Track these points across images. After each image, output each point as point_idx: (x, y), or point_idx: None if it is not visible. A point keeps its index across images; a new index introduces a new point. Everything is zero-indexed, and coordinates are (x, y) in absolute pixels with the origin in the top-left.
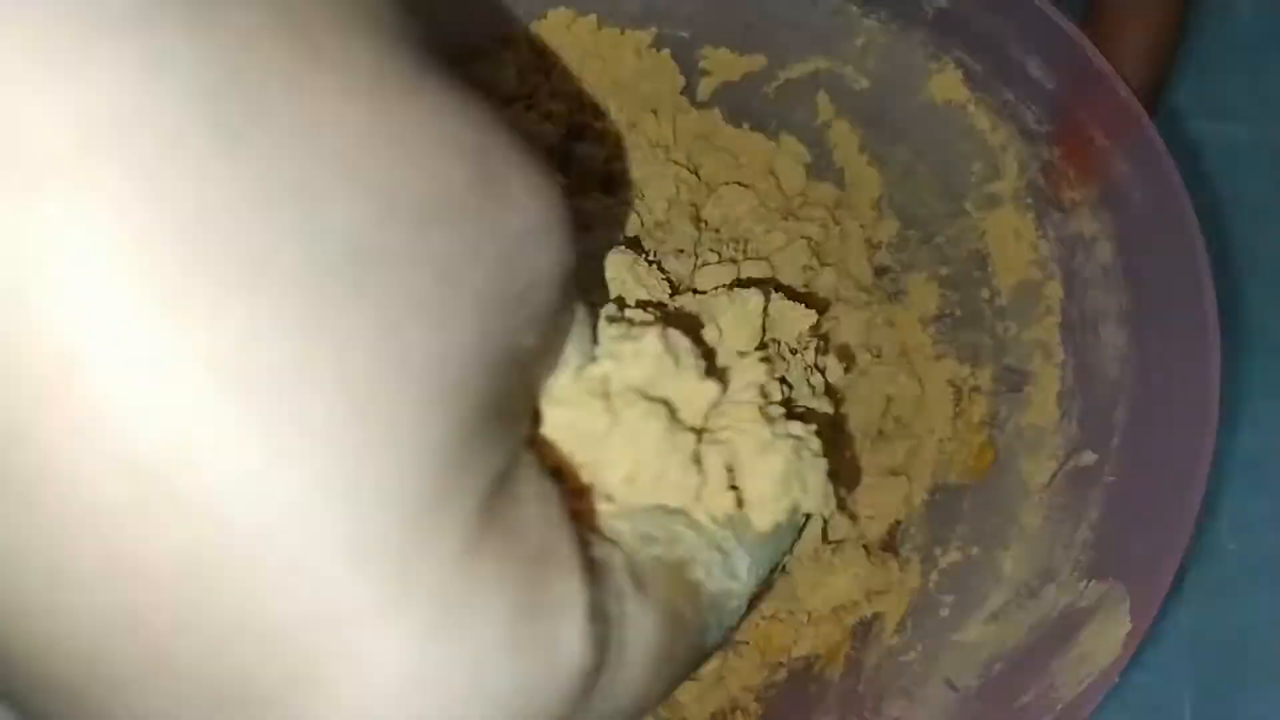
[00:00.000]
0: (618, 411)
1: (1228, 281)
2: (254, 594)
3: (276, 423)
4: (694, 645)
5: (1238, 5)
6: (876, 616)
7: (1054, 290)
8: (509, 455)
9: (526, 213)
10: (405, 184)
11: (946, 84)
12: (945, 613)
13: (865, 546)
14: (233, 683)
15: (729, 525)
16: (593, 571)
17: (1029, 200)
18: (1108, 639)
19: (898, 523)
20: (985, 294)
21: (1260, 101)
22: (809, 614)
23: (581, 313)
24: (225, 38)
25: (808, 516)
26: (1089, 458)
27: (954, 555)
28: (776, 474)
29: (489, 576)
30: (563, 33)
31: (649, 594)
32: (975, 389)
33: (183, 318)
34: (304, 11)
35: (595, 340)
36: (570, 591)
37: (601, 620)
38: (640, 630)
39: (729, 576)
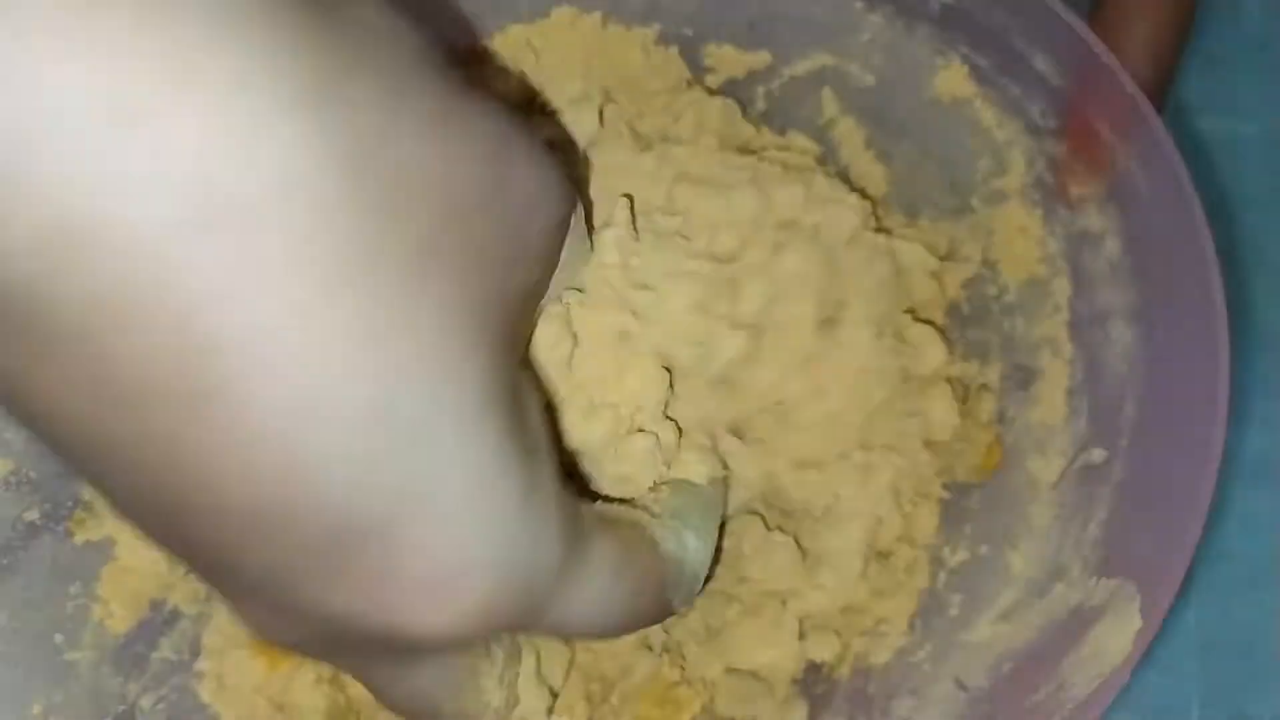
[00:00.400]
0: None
1: (1235, 278)
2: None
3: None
4: (654, 585)
5: (1246, 2)
6: (883, 619)
7: (1062, 287)
8: (520, 361)
9: (528, 189)
10: (453, 191)
11: (952, 80)
12: (954, 612)
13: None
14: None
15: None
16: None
17: (1036, 196)
18: (1119, 637)
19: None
20: (993, 291)
21: (1268, 98)
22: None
23: (577, 234)
24: (349, 106)
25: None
26: (1098, 455)
27: (963, 554)
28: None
29: (511, 457)
30: (566, 30)
31: (610, 525)
32: (983, 386)
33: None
34: (388, 72)
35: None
36: (549, 479)
37: (570, 513)
38: (601, 542)
39: (681, 549)
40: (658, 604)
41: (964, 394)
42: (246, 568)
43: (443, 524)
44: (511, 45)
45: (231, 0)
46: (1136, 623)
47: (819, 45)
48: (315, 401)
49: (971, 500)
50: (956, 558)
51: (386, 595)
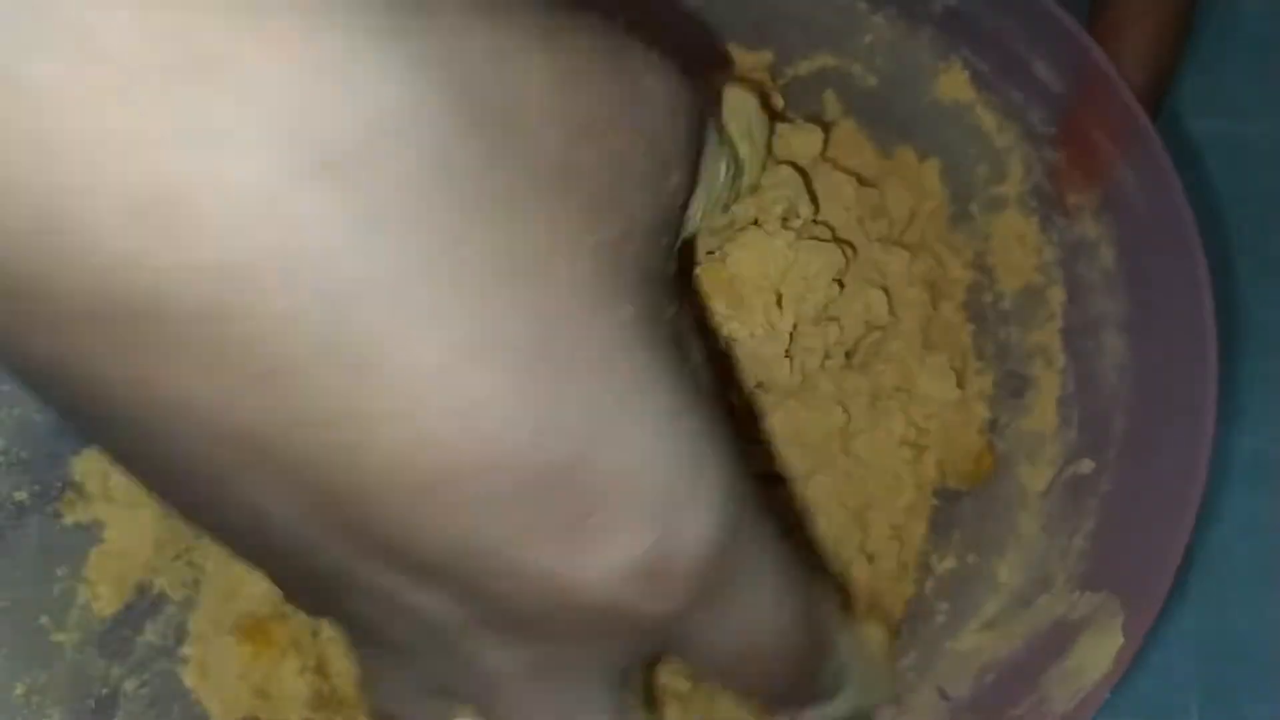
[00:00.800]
0: None
1: (1233, 280)
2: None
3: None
4: (803, 668)
5: (1244, 3)
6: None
7: (1056, 295)
8: (676, 303)
9: (661, 99)
10: (580, 108)
11: (953, 84)
12: (941, 620)
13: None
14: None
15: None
16: None
17: (1033, 204)
18: (1101, 653)
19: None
20: (989, 298)
21: (1266, 100)
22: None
23: (711, 142)
24: (449, 27)
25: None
26: (1087, 466)
27: (950, 562)
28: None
29: (684, 401)
30: None
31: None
32: (977, 394)
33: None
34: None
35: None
36: (721, 450)
37: (738, 515)
38: (763, 572)
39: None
40: (806, 663)
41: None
42: (423, 547)
43: (631, 456)
44: None
45: None
46: (1119, 640)
47: (822, 46)
48: (469, 349)
49: (962, 508)
50: (944, 565)
51: (582, 543)
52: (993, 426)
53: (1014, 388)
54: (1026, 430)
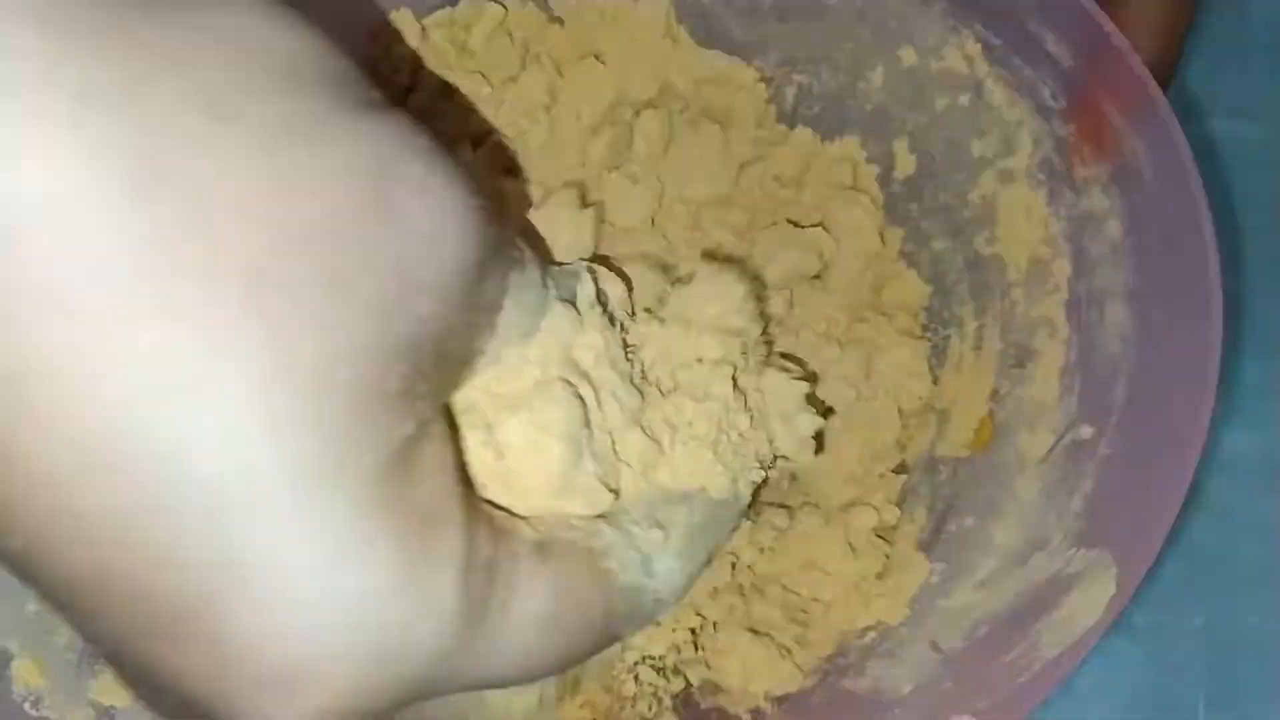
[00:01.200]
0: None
1: (1242, 281)
2: (209, 522)
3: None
4: (593, 626)
5: (1252, 4)
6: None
7: (1062, 268)
8: (419, 423)
9: (420, 223)
10: (294, 214)
11: (965, 56)
12: (935, 580)
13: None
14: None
15: (658, 520)
16: (487, 531)
17: (1042, 178)
18: (1092, 603)
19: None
20: (995, 270)
21: (1275, 101)
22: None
23: (525, 283)
24: (144, 114)
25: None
26: (1086, 431)
27: (949, 526)
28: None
29: (377, 534)
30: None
31: (550, 567)
32: (978, 363)
33: (99, 329)
34: (213, 81)
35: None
36: (451, 549)
37: (485, 577)
38: (530, 596)
39: (645, 574)
40: (598, 640)
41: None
42: (94, 622)
43: (276, 607)
44: None
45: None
46: (1111, 589)
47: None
48: (108, 438)
49: (960, 474)
50: (943, 530)
51: (225, 685)
52: (994, 396)
53: (1017, 358)
54: (1028, 399)
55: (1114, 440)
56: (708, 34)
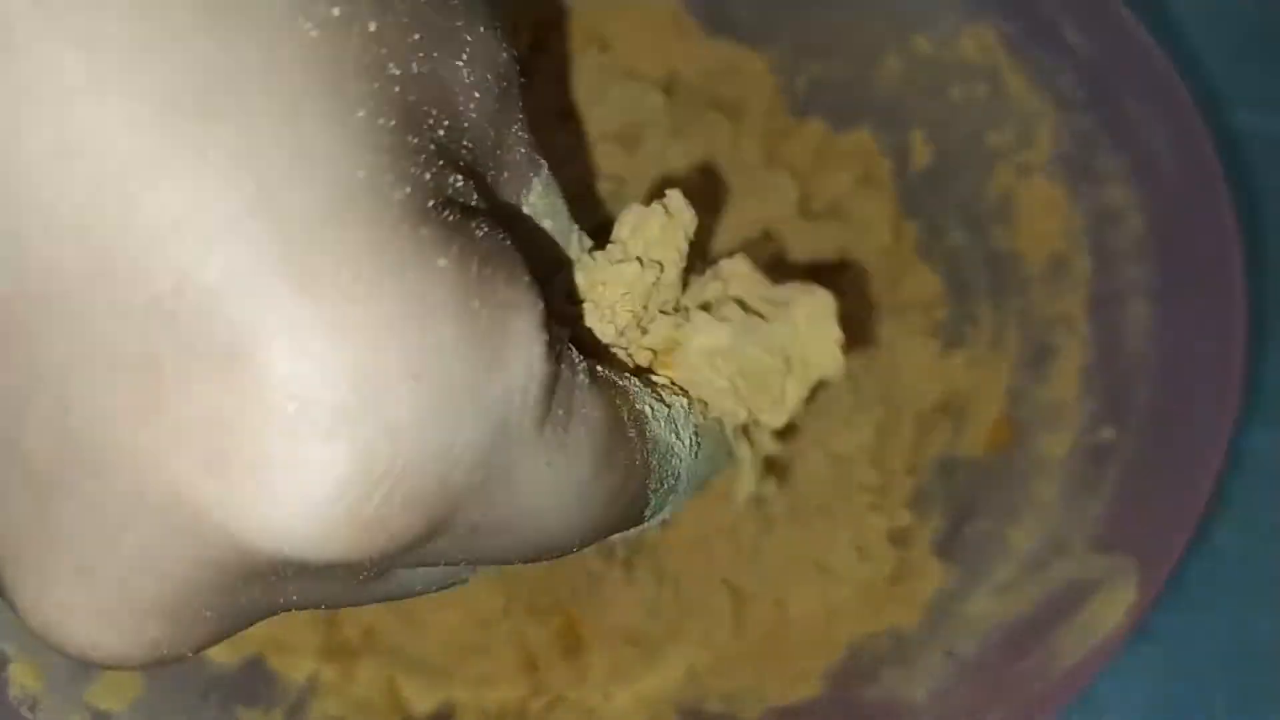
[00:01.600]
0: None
1: (1266, 277)
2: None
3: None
4: (635, 473)
5: None
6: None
7: (1083, 264)
8: (461, 205)
9: None
10: None
11: (982, 46)
12: (951, 585)
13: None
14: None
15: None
16: (554, 330)
17: (1061, 170)
18: (1112, 609)
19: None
20: (1012, 266)
21: None
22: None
23: (547, 185)
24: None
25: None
26: (1108, 434)
27: (965, 529)
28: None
29: (439, 239)
30: None
31: (606, 393)
32: (996, 363)
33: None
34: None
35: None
36: (522, 294)
37: (554, 352)
38: (589, 418)
39: (672, 431)
40: (634, 498)
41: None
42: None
43: (308, 280)
44: None
45: None
46: (1131, 595)
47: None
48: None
49: (977, 476)
50: (959, 532)
51: (245, 418)
52: (1012, 395)
53: (1036, 357)
54: (1047, 399)
55: (1135, 442)
56: (717, 21)
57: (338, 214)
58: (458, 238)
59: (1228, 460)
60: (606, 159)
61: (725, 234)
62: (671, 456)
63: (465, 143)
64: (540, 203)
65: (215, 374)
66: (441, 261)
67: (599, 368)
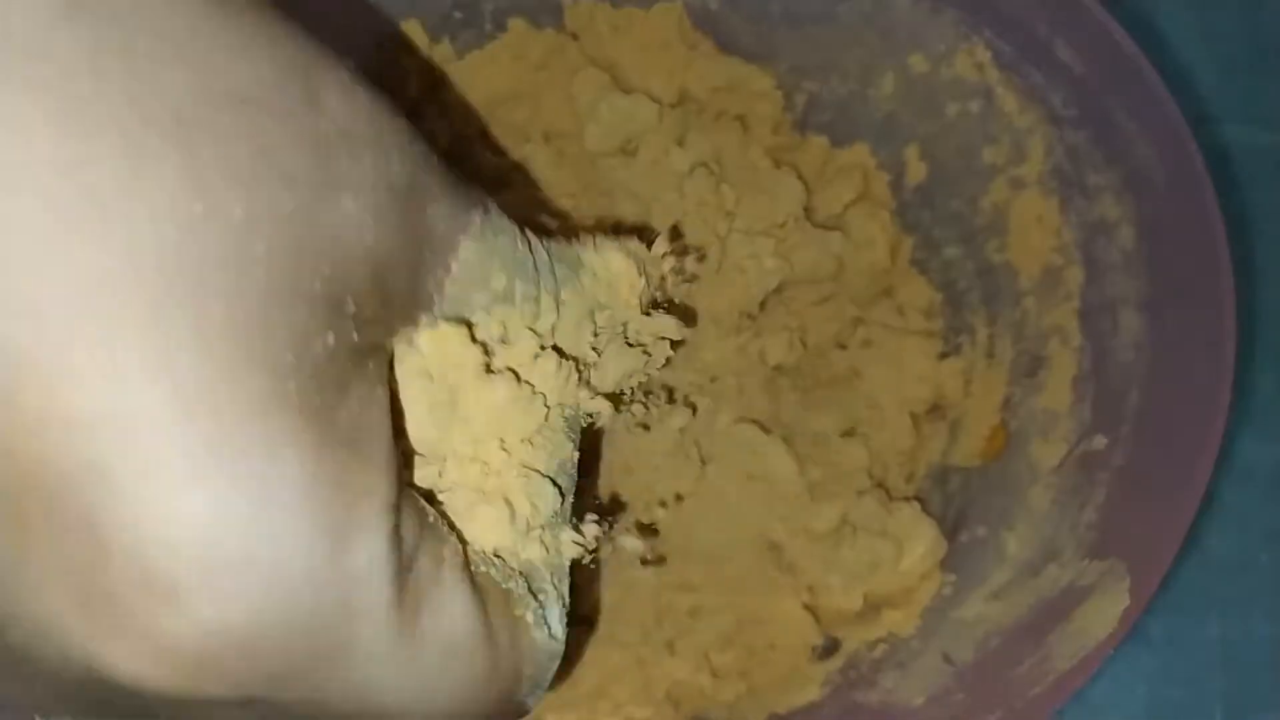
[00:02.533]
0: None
1: (1256, 288)
2: (61, 387)
3: (90, 237)
4: (502, 676)
5: (1269, 9)
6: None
7: (1074, 275)
8: (344, 344)
9: (339, 119)
10: (224, 70)
11: (975, 64)
12: (947, 590)
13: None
14: (32, 466)
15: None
16: (415, 513)
17: (1054, 185)
18: (1105, 614)
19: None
20: (1006, 278)
21: None
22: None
23: (490, 228)
24: None
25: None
26: (1100, 442)
27: (960, 535)
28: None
29: (288, 433)
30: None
31: (472, 591)
32: (989, 372)
33: (14, 135)
34: None
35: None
36: (375, 483)
37: (403, 561)
38: (447, 613)
39: (549, 634)
40: (501, 700)
41: (966, 380)
42: None
43: (162, 505)
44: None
45: None
46: (1124, 601)
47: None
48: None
49: (971, 483)
50: (955, 538)
51: (100, 582)
52: (1006, 404)
53: (1029, 367)
54: (1040, 408)
55: (1127, 450)
56: (717, 42)
57: (187, 408)
58: (313, 426)
59: (1219, 466)
60: (608, 171)
61: (737, 233)
62: (551, 657)
63: (356, 271)
64: (473, 255)
65: (80, 530)
66: (289, 452)
67: (483, 568)
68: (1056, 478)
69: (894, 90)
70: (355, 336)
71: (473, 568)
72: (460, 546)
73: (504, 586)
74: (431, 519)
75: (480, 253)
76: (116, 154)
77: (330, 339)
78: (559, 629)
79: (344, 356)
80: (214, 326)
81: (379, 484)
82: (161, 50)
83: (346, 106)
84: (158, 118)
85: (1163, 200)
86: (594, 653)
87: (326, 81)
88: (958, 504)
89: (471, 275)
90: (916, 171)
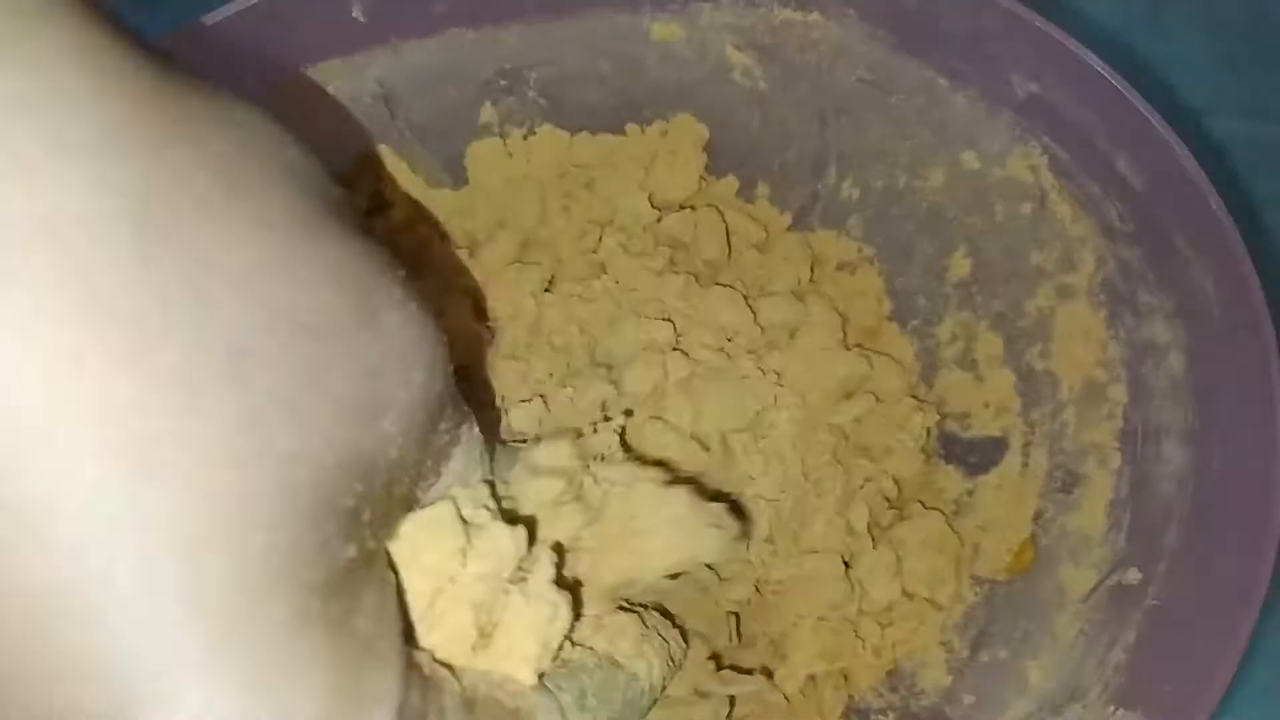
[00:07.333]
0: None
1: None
2: (90, 628)
3: (139, 479)
4: None
5: (1270, 3)
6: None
7: (1118, 394)
8: (362, 552)
9: (398, 338)
10: (289, 302)
11: (1030, 167)
12: (961, 712)
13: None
14: (60, 711)
15: (579, 681)
16: (419, 680)
17: (1103, 298)
18: None
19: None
20: (1046, 387)
21: None
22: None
23: (471, 440)
24: (163, 170)
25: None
26: (1134, 576)
27: (981, 654)
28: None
29: (312, 653)
30: None
31: None
32: (1024, 480)
33: (76, 380)
34: (233, 158)
35: (491, 470)
36: (387, 687)
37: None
38: None
39: None
40: None
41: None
42: None
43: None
44: None
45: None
46: None
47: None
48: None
49: (997, 598)
50: (975, 656)
51: None
52: (1038, 518)
53: (1064, 482)
54: (1073, 529)
55: (1163, 590)
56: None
57: (219, 648)
58: (333, 639)
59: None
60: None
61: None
62: None
63: (376, 482)
64: (460, 465)
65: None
66: (314, 673)
67: (471, 696)
68: (1085, 608)
69: (943, 184)
70: (371, 544)
71: (474, 696)
72: (459, 687)
73: (511, 706)
74: (428, 672)
75: (466, 463)
76: (173, 402)
77: (352, 550)
78: None
79: (360, 563)
80: (254, 560)
81: (392, 686)
82: (229, 287)
83: (402, 327)
84: (217, 357)
85: (1217, 333)
86: None
87: (385, 302)
88: (980, 619)
89: (454, 481)
90: (960, 267)
